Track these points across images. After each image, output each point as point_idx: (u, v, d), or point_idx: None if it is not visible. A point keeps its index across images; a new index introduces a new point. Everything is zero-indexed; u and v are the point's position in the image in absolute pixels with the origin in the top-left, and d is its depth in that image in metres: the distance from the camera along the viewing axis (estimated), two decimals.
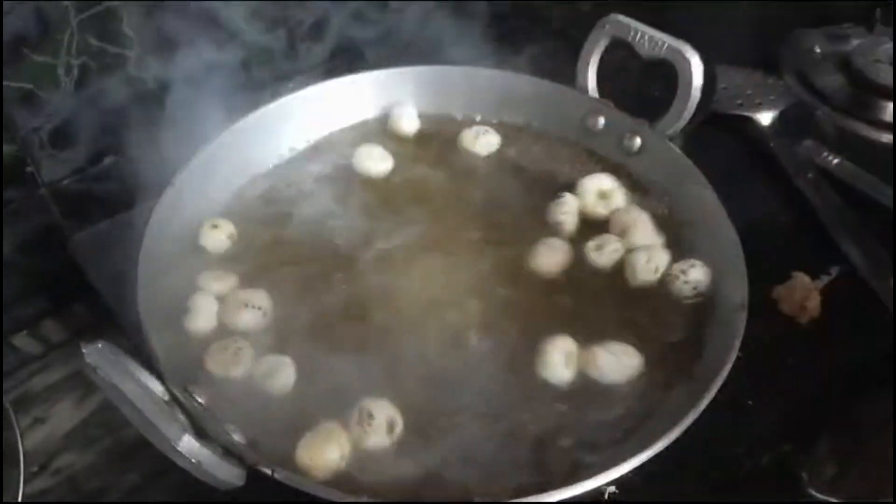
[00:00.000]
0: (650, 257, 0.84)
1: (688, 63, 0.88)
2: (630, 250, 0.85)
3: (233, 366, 0.73)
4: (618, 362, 0.75)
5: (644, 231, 0.88)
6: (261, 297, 0.79)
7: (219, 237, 0.86)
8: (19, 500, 0.74)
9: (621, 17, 0.94)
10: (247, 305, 0.78)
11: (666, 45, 0.89)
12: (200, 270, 0.83)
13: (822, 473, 0.79)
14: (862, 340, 0.87)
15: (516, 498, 0.62)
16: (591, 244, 0.86)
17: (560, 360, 0.75)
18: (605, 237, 0.87)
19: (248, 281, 0.82)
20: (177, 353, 0.72)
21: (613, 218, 0.90)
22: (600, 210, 0.91)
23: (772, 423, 0.81)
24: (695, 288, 0.81)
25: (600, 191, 0.93)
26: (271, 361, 0.74)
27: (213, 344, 0.75)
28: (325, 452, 0.67)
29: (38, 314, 0.99)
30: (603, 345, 0.76)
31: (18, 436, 0.79)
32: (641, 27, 0.91)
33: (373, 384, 0.73)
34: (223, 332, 0.78)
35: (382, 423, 0.68)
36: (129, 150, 0.98)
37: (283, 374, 0.73)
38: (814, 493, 0.77)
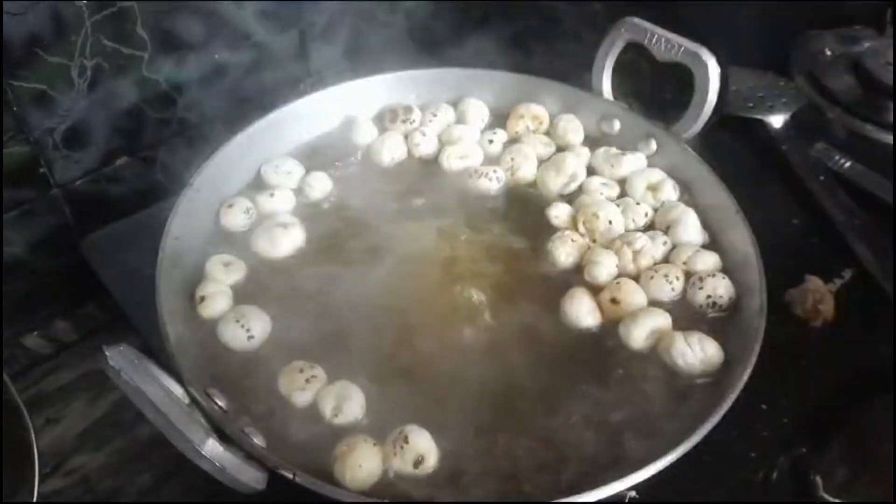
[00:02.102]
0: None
1: (704, 67, 0.88)
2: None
3: (300, 392, 0.73)
4: (692, 354, 0.75)
5: (688, 227, 0.88)
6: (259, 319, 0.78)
7: (237, 214, 0.88)
8: (34, 500, 0.74)
9: (637, 20, 0.94)
10: (242, 326, 0.77)
11: (682, 48, 0.89)
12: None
13: (836, 476, 0.79)
14: (875, 343, 0.87)
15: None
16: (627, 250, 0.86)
17: (643, 333, 0.77)
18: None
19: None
20: (195, 355, 0.73)
21: (659, 213, 0.91)
22: (645, 207, 0.91)
23: (785, 426, 0.81)
24: (709, 297, 0.81)
25: (649, 184, 0.93)
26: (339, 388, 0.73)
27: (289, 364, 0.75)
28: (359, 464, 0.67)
29: (50, 314, 0.99)
30: (685, 335, 0.77)
31: (33, 436, 0.78)
32: (657, 30, 0.91)
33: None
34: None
35: (412, 456, 0.68)
36: (142, 151, 0.99)
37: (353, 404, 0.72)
38: (827, 496, 0.77)
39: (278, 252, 0.85)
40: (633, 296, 0.81)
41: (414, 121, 0.99)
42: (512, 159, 0.95)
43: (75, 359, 0.95)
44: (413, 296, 0.83)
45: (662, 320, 0.78)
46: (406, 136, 0.98)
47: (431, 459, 0.68)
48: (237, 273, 0.83)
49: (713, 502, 0.76)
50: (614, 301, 0.80)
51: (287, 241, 0.86)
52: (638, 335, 0.77)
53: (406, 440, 0.68)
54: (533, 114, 1.00)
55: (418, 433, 0.69)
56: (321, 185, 0.92)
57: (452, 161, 0.96)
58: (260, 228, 0.87)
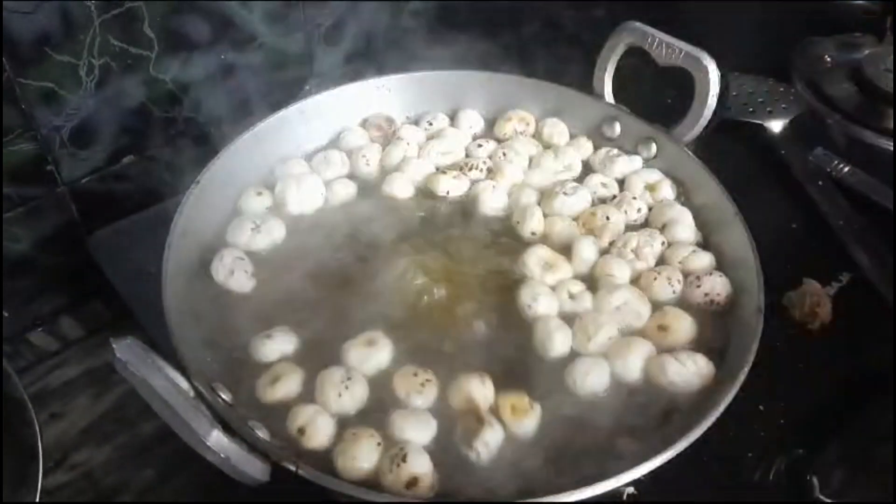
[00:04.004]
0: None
1: (705, 71, 0.88)
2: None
3: (416, 395, 0.73)
4: (688, 372, 0.75)
5: (685, 227, 0.89)
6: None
7: (261, 202, 0.90)
8: (38, 494, 0.74)
9: (638, 24, 0.94)
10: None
11: (683, 52, 0.90)
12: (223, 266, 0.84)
13: (832, 478, 0.80)
14: (872, 347, 0.88)
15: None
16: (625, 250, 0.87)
17: (637, 362, 0.76)
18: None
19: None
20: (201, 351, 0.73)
21: (653, 213, 0.92)
22: (640, 203, 0.92)
23: (782, 428, 0.81)
24: (707, 294, 0.82)
25: (647, 184, 0.94)
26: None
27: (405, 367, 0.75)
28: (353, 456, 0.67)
29: (56, 311, 1.00)
30: (674, 355, 0.76)
31: (38, 431, 0.79)
32: (659, 34, 0.92)
33: None
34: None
35: (406, 475, 0.66)
36: (148, 150, 1.00)
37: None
38: (823, 497, 0.77)
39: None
40: (682, 322, 0.80)
41: (395, 130, 1.00)
42: (503, 154, 0.97)
43: (80, 355, 0.96)
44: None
45: (647, 347, 0.77)
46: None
47: (425, 483, 0.67)
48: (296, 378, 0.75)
49: (710, 502, 0.76)
50: (662, 328, 0.79)
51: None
52: (633, 367, 0.76)
53: (404, 459, 0.66)
54: (520, 117, 1.02)
55: (417, 454, 0.67)
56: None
57: (433, 157, 0.97)
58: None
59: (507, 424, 0.71)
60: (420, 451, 0.68)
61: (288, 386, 0.73)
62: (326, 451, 0.69)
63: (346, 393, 0.72)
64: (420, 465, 0.67)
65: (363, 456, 0.67)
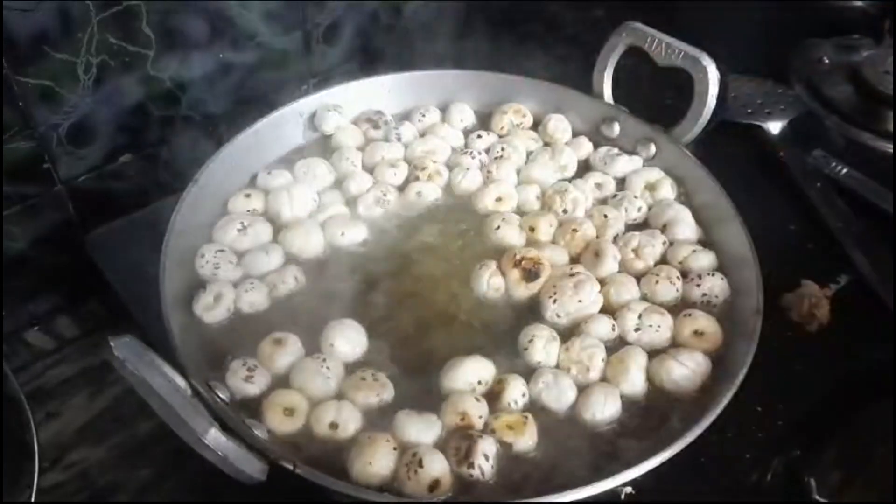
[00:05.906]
0: None
1: (704, 71, 0.89)
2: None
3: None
4: (690, 371, 0.75)
5: (686, 225, 0.89)
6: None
7: (248, 203, 0.89)
8: (33, 494, 0.74)
9: (638, 25, 0.94)
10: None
11: (682, 53, 0.90)
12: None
13: (829, 479, 0.80)
14: (870, 348, 0.88)
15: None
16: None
17: (639, 374, 0.75)
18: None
19: None
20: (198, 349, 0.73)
21: (654, 212, 0.92)
22: (640, 202, 0.92)
23: (780, 428, 0.81)
24: (705, 295, 0.82)
25: (647, 183, 0.94)
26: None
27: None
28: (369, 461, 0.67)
29: (52, 310, 1.00)
30: (673, 355, 0.76)
31: (34, 430, 0.79)
32: (658, 35, 0.93)
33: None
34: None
35: (427, 479, 0.66)
36: (146, 148, 0.99)
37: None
38: (820, 499, 0.77)
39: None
40: (713, 323, 0.80)
41: (388, 122, 1.00)
42: (502, 149, 0.97)
43: (76, 354, 0.96)
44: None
45: (642, 357, 0.77)
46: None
47: (446, 483, 0.67)
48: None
49: (707, 502, 0.76)
50: (698, 334, 0.79)
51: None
52: (638, 380, 0.75)
53: (420, 464, 0.66)
54: (515, 109, 1.02)
55: (431, 455, 0.67)
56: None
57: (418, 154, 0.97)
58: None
59: (507, 442, 0.70)
60: (432, 451, 0.68)
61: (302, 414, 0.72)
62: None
63: (329, 373, 0.73)
64: (437, 467, 0.67)
65: (379, 460, 0.67)
